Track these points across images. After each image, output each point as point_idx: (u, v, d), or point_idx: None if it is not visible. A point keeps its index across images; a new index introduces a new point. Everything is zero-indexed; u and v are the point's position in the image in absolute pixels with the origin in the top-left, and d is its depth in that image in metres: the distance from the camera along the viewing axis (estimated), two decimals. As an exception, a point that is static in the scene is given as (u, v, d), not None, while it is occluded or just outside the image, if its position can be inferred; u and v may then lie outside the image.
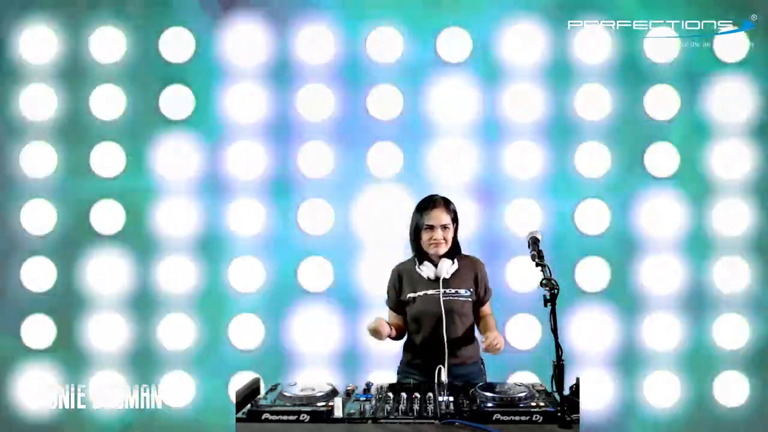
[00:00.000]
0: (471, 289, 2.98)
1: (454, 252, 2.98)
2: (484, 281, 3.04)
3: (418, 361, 2.95)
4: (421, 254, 2.98)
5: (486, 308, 3.05)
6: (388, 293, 3.05)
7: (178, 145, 4.05)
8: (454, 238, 2.99)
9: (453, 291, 2.94)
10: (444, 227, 2.92)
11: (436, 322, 2.90)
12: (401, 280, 3.00)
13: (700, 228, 4.05)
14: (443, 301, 2.91)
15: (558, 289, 2.40)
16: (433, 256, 2.95)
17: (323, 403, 2.33)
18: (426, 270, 2.93)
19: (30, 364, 4.07)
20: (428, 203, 2.97)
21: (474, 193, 4.05)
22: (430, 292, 2.93)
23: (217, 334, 4.07)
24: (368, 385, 2.60)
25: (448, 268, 2.94)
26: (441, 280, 2.93)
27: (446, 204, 2.97)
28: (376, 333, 2.82)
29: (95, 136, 4.06)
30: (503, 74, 4.05)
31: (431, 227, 2.92)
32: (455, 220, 2.98)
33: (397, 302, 3.00)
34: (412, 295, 2.95)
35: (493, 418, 2.24)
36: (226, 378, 4.05)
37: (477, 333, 3.02)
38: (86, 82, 4.06)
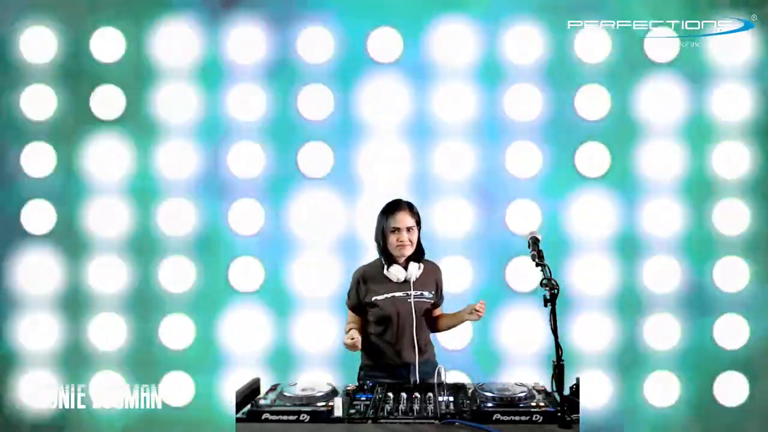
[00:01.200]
0: (433, 292, 3.06)
1: (418, 255, 3.05)
2: (441, 286, 3.14)
3: (386, 363, 2.98)
4: (387, 257, 3.02)
5: (439, 310, 3.16)
6: (349, 294, 3.08)
7: (181, 145, 4.06)
8: (418, 240, 3.05)
9: (419, 293, 3.01)
10: (409, 229, 2.98)
11: (405, 323, 2.96)
12: (365, 282, 3.02)
13: (701, 228, 4.05)
14: (413, 302, 2.97)
15: (558, 289, 2.40)
16: (399, 258, 3.01)
17: (323, 403, 2.33)
18: (395, 272, 2.98)
19: (30, 364, 4.07)
20: (393, 207, 3.02)
21: (473, 193, 4.06)
22: (397, 294, 2.99)
23: (217, 334, 4.07)
24: (368, 386, 2.60)
25: (416, 271, 3.01)
26: (412, 283, 2.99)
27: (410, 207, 3.03)
28: (353, 348, 2.87)
29: (96, 135, 4.06)
30: (507, 74, 4.06)
31: (397, 230, 2.97)
32: (419, 223, 3.04)
33: (358, 304, 3.03)
34: (377, 297, 2.98)
35: (493, 418, 2.24)
36: (226, 378, 4.05)
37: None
38: (86, 82, 4.07)
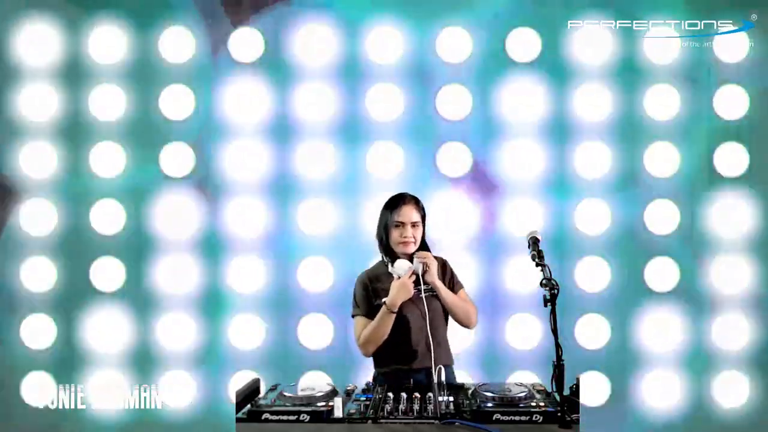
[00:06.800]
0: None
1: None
2: (451, 274, 2.97)
3: (407, 367, 2.80)
4: (390, 254, 2.88)
5: (463, 293, 2.97)
6: (358, 303, 2.88)
7: (179, 145, 4.07)
8: (423, 237, 2.91)
9: (429, 288, 2.83)
10: (414, 225, 2.85)
11: (419, 323, 2.80)
12: (371, 283, 2.87)
13: (700, 228, 4.05)
14: (425, 297, 2.81)
15: (558, 289, 2.39)
16: (402, 255, 2.85)
17: (323, 403, 2.33)
18: (400, 267, 2.78)
19: (30, 363, 4.07)
20: (398, 200, 2.88)
21: (474, 192, 4.06)
22: None
23: (217, 334, 4.07)
24: (368, 386, 2.60)
25: (421, 263, 2.80)
26: (420, 276, 2.78)
27: (416, 202, 2.90)
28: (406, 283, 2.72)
29: (95, 135, 4.06)
30: (507, 73, 4.07)
31: (401, 224, 2.84)
32: (424, 218, 2.92)
33: (371, 308, 2.84)
34: (386, 299, 2.77)
35: (493, 418, 2.24)
36: (226, 378, 4.05)
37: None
38: (86, 82, 4.07)
